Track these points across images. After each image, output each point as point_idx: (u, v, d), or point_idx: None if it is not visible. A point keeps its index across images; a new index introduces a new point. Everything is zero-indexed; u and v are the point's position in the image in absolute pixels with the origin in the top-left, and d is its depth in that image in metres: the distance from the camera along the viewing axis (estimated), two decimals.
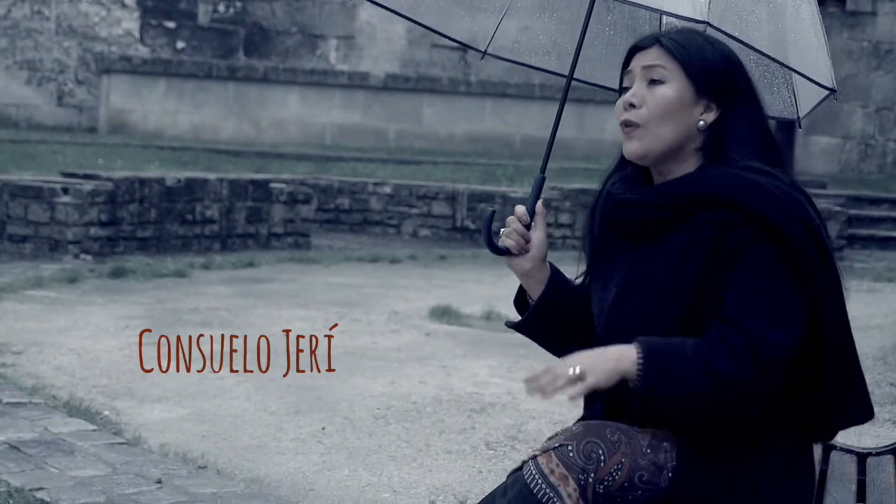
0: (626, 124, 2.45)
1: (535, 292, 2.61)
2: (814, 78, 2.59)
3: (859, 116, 18.39)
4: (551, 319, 2.60)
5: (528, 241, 2.58)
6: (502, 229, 2.60)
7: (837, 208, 13.26)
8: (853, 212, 14.25)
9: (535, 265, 2.58)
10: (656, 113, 2.42)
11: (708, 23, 2.48)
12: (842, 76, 16.46)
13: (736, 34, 2.40)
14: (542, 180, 2.64)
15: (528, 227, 2.58)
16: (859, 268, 11.84)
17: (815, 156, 17.84)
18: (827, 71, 2.66)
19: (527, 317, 2.63)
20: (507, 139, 18.26)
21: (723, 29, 2.42)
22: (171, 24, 17.47)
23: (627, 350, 2.29)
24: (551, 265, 2.61)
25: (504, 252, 2.57)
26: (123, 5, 17.27)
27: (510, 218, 2.58)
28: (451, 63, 18.52)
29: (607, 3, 2.96)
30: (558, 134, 2.74)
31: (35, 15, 16.95)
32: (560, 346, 2.62)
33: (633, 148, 2.45)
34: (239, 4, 17.72)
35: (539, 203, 2.59)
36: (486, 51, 3.07)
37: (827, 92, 2.75)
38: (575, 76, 2.83)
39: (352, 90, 17.81)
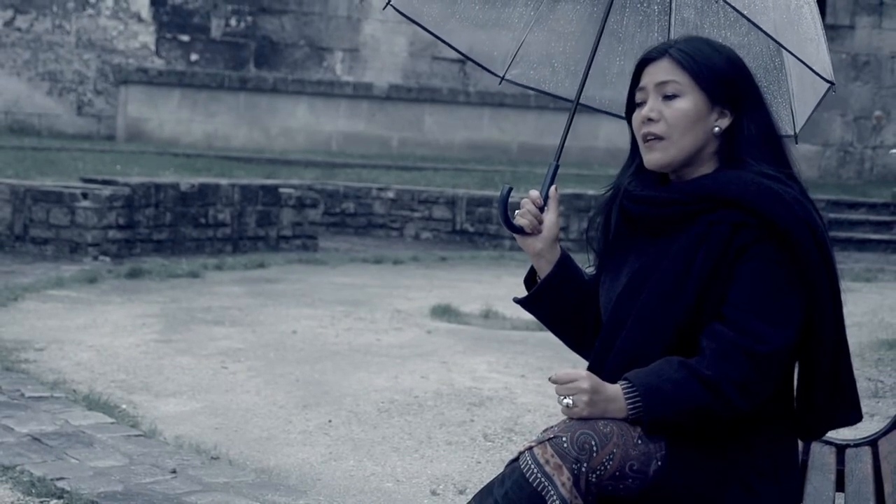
0: (647, 137, 2.43)
1: (544, 272, 2.60)
2: (814, 68, 2.57)
3: (838, 125, 18.38)
4: (555, 299, 2.60)
5: (540, 222, 2.57)
6: (517, 210, 2.59)
7: None
8: (832, 216, 14.29)
9: (546, 246, 2.57)
10: (676, 126, 2.40)
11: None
12: None
13: (745, 13, 2.35)
14: (556, 167, 2.64)
15: (541, 209, 2.58)
16: (839, 269, 11.78)
17: (796, 162, 17.85)
18: (826, 66, 2.64)
19: (531, 293, 2.63)
20: (504, 146, 18.25)
21: (733, 5, 2.35)
22: (185, 38, 17.46)
23: (617, 390, 2.29)
24: (562, 250, 2.61)
25: (518, 230, 2.57)
26: (140, 20, 17.26)
27: (524, 200, 2.58)
28: (451, 74, 18.51)
29: (619, 35, 2.96)
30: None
31: (56, 29, 16.95)
32: (560, 328, 2.63)
33: (655, 158, 2.43)
34: (250, 19, 17.71)
35: (553, 188, 2.59)
36: (503, 76, 3.06)
37: (826, 88, 2.73)
38: (591, 105, 2.85)
39: (357, 100, 17.81)
